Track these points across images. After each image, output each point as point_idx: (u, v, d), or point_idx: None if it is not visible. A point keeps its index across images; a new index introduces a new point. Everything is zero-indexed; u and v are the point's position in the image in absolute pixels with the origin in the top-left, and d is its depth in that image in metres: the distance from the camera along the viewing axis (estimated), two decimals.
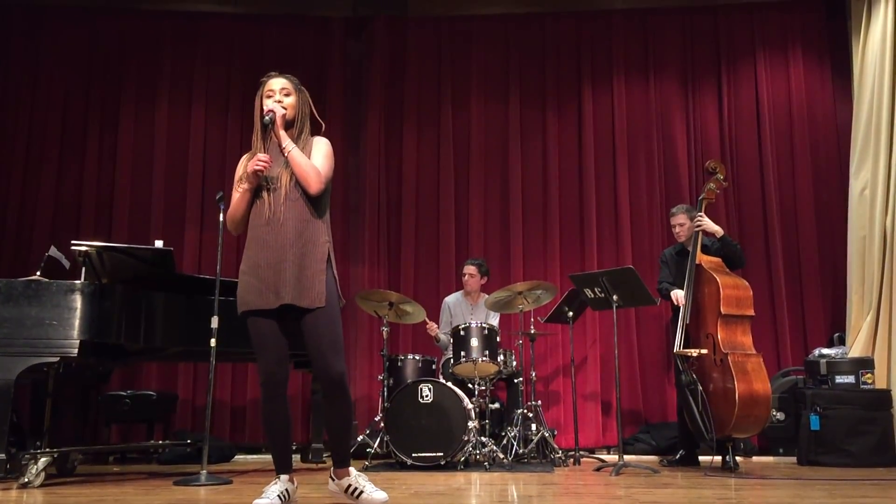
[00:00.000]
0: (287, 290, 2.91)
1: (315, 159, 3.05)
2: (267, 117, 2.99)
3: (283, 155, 3.00)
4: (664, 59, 6.92)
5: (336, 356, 2.95)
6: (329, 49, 7.02)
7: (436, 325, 5.87)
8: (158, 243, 4.43)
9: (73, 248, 4.23)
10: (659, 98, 6.87)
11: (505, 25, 7.05)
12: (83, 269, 4.22)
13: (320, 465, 5.10)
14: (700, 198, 5.10)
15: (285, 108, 3.04)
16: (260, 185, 3.01)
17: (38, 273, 4.14)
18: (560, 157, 6.83)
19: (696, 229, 4.99)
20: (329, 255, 3.05)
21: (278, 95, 3.06)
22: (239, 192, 3.04)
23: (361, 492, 2.98)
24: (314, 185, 2.98)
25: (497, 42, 7.05)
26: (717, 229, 5.01)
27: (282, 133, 3.00)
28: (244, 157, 3.12)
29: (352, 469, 3.06)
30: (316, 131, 3.18)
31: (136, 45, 6.93)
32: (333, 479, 3.10)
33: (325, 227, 3.06)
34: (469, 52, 7.03)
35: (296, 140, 3.05)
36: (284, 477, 2.98)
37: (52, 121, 6.75)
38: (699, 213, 5.02)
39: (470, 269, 5.91)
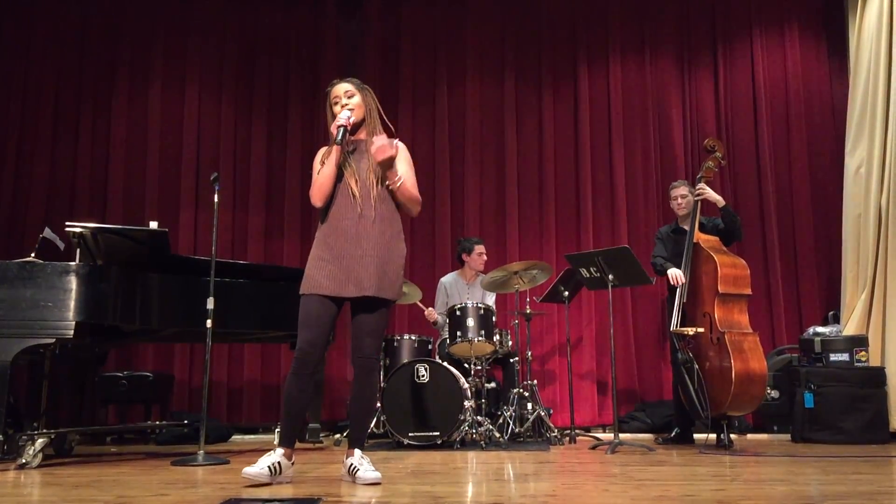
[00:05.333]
0: (371, 282, 3.05)
1: (401, 167, 3.22)
2: (339, 136, 3.08)
3: (393, 185, 3.16)
4: (660, 38, 6.89)
5: (378, 341, 3.18)
6: (323, 28, 6.96)
7: (434, 311, 5.86)
8: (153, 224, 4.40)
9: (67, 229, 4.20)
10: (655, 77, 6.85)
11: (500, 4, 7.00)
12: (78, 251, 4.21)
13: (317, 445, 5.13)
14: (699, 176, 5.09)
15: (352, 110, 3.16)
16: (346, 180, 3.12)
17: (33, 254, 4.12)
18: (556, 136, 6.81)
19: (698, 198, 4.99)
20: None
21: (344, 99, 3.19)
22: (324, 167, 3.13)
23: (358, 469, 3.03)
24: (416, 211, 3.32)
25: (492, 21, 7.00)
26: (718, 198, 5.01)
27: (393, 170, 3.15)
28: (322, 150, 3.23)
29: (357, 451, 3.13)
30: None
31: (128, 25, 6.86)
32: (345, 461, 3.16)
33: (401, 226, 3.26)
34: (464, 32, 6.98)
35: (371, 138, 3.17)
36: (280, 451, 3.02)
37: (44, 102, 6.70)
38: (700, 184, 5.02)
39: (483, 248, 5.92)
